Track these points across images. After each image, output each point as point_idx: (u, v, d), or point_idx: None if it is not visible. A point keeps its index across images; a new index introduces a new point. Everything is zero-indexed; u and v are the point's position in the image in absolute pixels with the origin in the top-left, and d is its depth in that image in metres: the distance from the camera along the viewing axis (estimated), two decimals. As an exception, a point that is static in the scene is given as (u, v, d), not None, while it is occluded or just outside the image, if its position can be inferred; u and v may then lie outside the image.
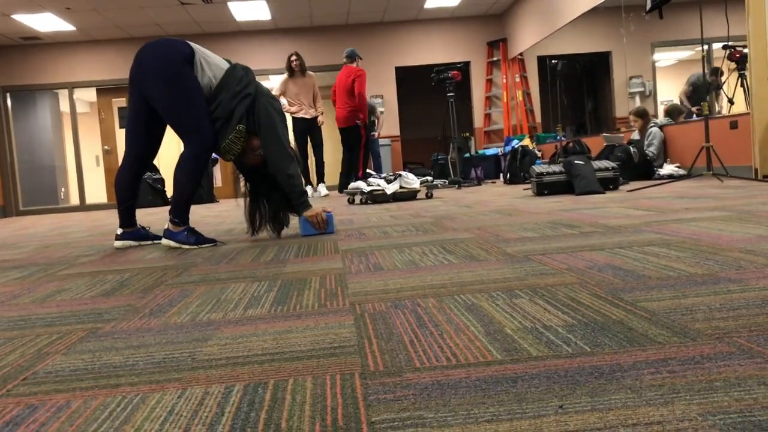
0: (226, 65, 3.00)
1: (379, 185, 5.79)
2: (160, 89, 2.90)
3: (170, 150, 14.62)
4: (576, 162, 4.88)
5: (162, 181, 10.34)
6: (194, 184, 2.99)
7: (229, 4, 9.61)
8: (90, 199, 11.69)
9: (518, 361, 0.93)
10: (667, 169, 6.16)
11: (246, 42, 11.31)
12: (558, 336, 1.05)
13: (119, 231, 3.20)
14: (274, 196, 3.07)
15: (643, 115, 6.79)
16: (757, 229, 2.10)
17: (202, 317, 1.40)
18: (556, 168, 4.99)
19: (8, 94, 11.33)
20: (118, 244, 3.19)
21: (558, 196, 4.60)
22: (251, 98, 2.93)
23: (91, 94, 12.62)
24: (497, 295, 1.39)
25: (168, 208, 9.09)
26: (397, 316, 1.27)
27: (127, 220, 3.20)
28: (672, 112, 6.73)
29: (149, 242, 3.25)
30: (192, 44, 2.97)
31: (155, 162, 10.56)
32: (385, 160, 10.54)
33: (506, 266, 1.74)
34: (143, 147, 3.08)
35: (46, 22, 9.84)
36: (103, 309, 1.59)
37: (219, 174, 11.57)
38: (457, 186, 7.86)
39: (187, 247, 2.93)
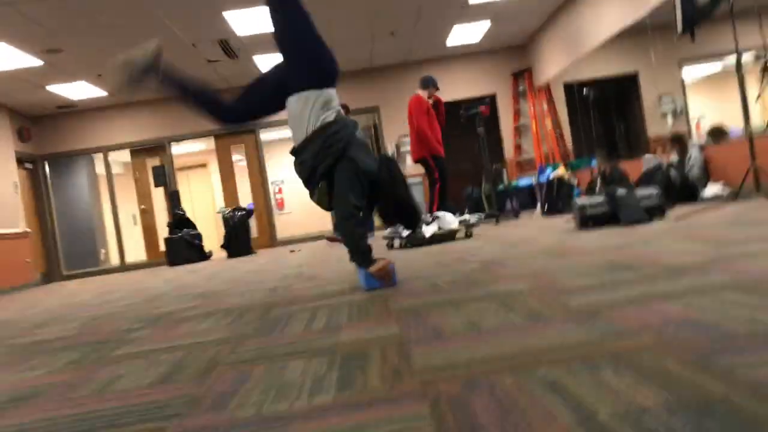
0: (333, 117, 3.04)
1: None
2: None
3: (206, 208, 14.81)
4: (619, 191, 4.77)
5: (200, 236, 10.43)
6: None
7: (255, 57, 9.76)
8: (129, 259, 11.83)
9: (626, 462, 0.85)
10: (711, 190, 6.00)
11: (273, 93, 11.45)
12: (660, 422, 0.96)
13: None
14: (390, 211, 3.20)
15: (679, 140, 6.68)
16: (833, 262, 1.99)
17: (268, 409, 1.34)
18: (599, 199, 4.88)
19: (46, 162, 11.60)
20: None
21: (603, 229, 4.49)
22: (333, 158, 3.00)
23: (125, 155, 12.87)
24: (577, 367, 1.30)
25: (205, 263, 9.16)
26: (474, 402, 1.19)
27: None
28: (714, 134, 6.58)
29: None
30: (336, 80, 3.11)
31: (191, 218, 10.69)
32: (418, 198, 10.49)
33: (576, 327, 1.66)
34: None
35: (79, 90, 10.10)
36: (163, 401, 1.54)
37: (255, 224, 11.63)
38: (495, 220, 7.77)
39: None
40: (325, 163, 3.00)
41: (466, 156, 10.91)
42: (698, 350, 1.29)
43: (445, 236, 5.78)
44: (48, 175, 11.66)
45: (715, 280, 1.98)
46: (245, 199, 11.94)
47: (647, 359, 1.29)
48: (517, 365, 1.38)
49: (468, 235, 5.89)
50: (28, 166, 11.28)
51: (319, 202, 3.16)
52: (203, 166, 15.37)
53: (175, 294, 4.57)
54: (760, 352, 1.22)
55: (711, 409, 0.99)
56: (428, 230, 5.70)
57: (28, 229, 10.50)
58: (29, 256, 10.36)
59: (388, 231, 6.07)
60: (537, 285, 2.43)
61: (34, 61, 8.39)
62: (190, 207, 12.08)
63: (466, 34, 10.35)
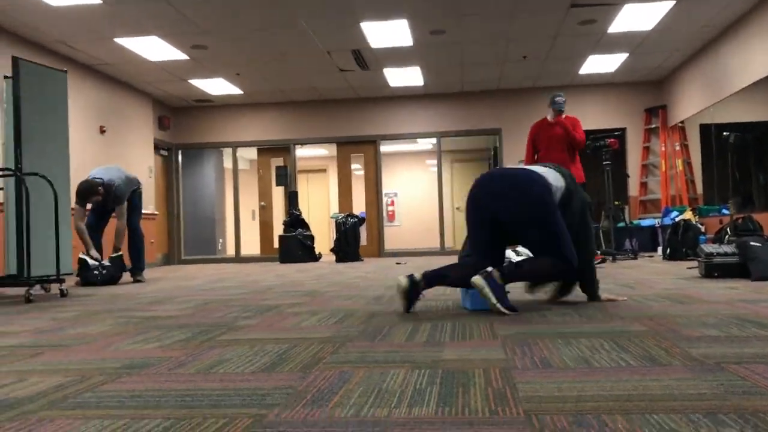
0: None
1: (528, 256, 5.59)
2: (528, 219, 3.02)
3: (321, 211, 15.19)
4: (752, 243, 4.45)
5: (312, 237, 10.69)
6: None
7: (385, 70, 9.93)
8: (244, 251, 12.30)
9: None
10: None
11: (397, 106, 11.62)
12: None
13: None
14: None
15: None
16: None
17: (367, 412, 1.34)
18: (728, 249, 4.58)
19: (180, 151, 12.29)
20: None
21: (730, 281, 4.20)
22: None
23: (251, 153, 13.42)
24: (698, 420, 1.21)
25: (314, 264, 9.38)
26: (583, 437, 1.13)
27: None
28: None
29: None
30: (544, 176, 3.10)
31: (306, 220, 10.98)
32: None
33: (697, 376, 1.55)
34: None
35: (217, 86, 10.64)
36: (266, 389, 1.57)
37: (365, 232, 11.79)
38: (611, 258, 7.47)
39: None
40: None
41: (587, 188, 10.57)
42: (841, 422, 1.16)
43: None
44: (180, 164, 12.35)
45: None
46: (358, 207, 12.14)
47: (780, 423, 1.18)
48: (630, 408, 1.30)
49: (581, 270, 5.67)
50: (164, 153, 11.99)
51: None
52: (323, 170, 15.78)
53: (283, 290, 4.69)
54: None
55: None
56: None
57: (156, 212, 11.14)
58: (153, 237, 10.99)
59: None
60: (655, 328, 2.30)
61: (180, 55, 8.91)
62: (306, 208, 12.42)
63: (601, 64, 10.06)
